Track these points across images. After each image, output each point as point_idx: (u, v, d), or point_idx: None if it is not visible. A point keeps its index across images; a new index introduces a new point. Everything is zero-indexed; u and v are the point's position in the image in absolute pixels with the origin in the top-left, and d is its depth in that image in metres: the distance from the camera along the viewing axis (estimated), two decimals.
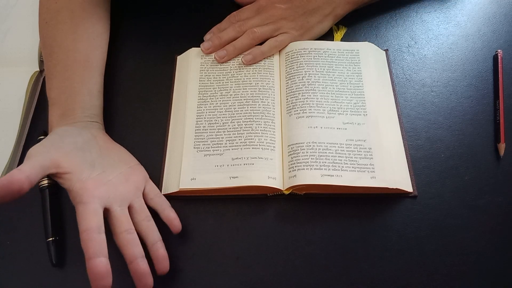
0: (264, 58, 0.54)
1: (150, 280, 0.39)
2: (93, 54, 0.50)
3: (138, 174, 0.45)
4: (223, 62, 0.53)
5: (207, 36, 0.56)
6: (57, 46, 0.49)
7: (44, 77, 0.56)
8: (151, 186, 0.45)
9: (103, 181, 0.41)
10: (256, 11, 0.55)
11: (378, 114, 0.49)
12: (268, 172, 0.45)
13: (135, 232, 0.41)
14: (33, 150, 0.39)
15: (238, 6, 0.58)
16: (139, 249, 0.40)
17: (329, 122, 0.48)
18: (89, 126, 0.46)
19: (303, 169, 0.45)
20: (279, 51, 0.55)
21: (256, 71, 0.53)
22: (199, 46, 0.55)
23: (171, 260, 0.43)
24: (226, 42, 0.54)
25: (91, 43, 0.51)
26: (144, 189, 0.45)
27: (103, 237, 0.38)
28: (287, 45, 0.54)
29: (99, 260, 0.36)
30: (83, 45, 0.50)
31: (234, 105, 0.50)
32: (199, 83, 0.53)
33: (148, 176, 0.46)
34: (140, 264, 0.39)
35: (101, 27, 0.53)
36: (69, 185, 0.40)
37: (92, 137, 0.45)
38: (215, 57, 0.53)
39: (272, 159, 0.46)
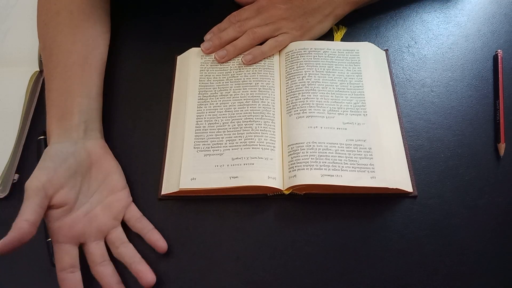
0: (264, 58, 0.54)
1: None
2: (92, 55, 0.50)
3: (120, 202, 0.45)
4: (223, 62, 0.53)
5: (207, 36, 0.55)
6: (56, 48, 0.49)
7: (44, 78, 0.57)
8: (133, 212, 0.45)
9: (81, 216, 0.42)
10: (256, 11, 0.55)
11: (378, 114, 0.49)
12: (268, 172, 0.45)
13: (110, 263, 0.42)
14: (31, 186, 0.40)
15: (238, 6, 0.58)
16: (114, 279, 0.41)
17: (329, 122, 0.48)
18: (86, 137, 0.46)
19: (303, 169, 0.45)
20: (279, 51, 0.55)
21: (256, 71, 0.53)
22: (199, 46, 0.55)
23: (171, 260, 0.44)
24: (227, 42, 0.54)
25: (90, 44, 0.51)
26: (125, 216, 0.45)
27: (76, 275, 0.40)
28: (287, 45, 0.54)
29: None
30: (82, 47, 0.50)
31: (234, 105, 0.50)
32: (199, 83, 0.53)
33: (130, 200, 0.46)
34: None
35: (101, 28, 0.53)
36: (48, 221, 0.41)
37: (86, 156, 0.45)
38: (215, 57, 0.53)
39: (272, 159, 0.46)
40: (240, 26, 0.54)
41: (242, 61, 0.53)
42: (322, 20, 0.55)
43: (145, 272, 0.41)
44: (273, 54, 0.54)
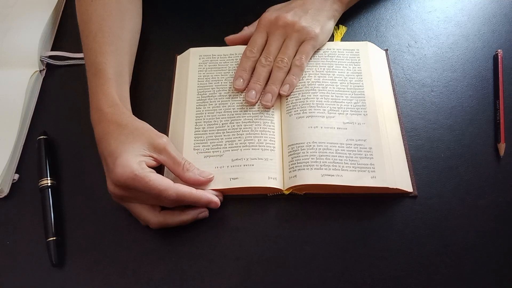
0: None
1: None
2: (134, 48, 0.53)
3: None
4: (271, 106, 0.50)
5: (237, 83, 0.51)
6: (107, 26, 0.50)
7: (44, 77, 0.57)
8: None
9: None
10: (265, 33, 0.53)
11: (378, 114, 0.49)
12: (268, 173, 0.45)
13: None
14: (167, 140, 0.44)
15: (238, 6, 0.58)
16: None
17: (329, 122, 0.48)
18: None
19: (304, 169, 0.45)
20: None
21: None
22: (199, 46, 0.55)
23: (171, 260, 0.43)
24: (265, 82, 0.51)
25: (134, 36, 0.54)
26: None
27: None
28: (312, 51, 0.52)
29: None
30: (130, 37, 0.52)
31: (233, 106, 0.50)
32: (198, 84, 0.52)
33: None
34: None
35: (139, 20, 0.56)
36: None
37: None
38: (262, 103, 0.49)
39: (272, 160, 0.46)
40: (266, 60, 0.51)
41: (280, 94, 0.50)
42: (328, 16, 0.54)
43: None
44: None
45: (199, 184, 0.44)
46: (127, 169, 0.40)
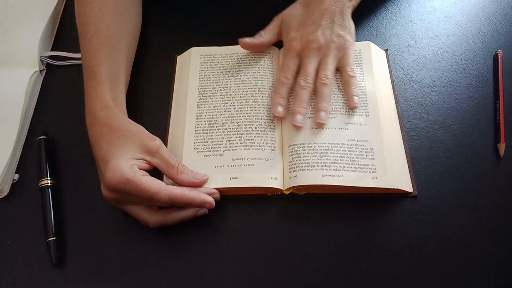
0: (265, 57, 0.54)
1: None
2: (133, 49, 0.54)
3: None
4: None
5: (278, 110, 0.48)
6: (103, 27, 0.50)
7: (44, 77, 0.57)
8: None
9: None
10: (297, 57, 0.50)
11: (379, 114, 0.49)
12: (268, 173, 0.45)
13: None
14: (160, 143, 0.44)
15: (238, 6, 0.58)
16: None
17: (330, 122, 0.48)
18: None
19: (304, 169, 0.45)
20: (279, 50, 0.55)
21: (256, 70, 0.53)
22: (199, 46, 0.55)
23: (171, 260, 0.43)
24: (308, 104, 0.48)
25: (133, 36, 0.54)
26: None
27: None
28: (350, 55, 0.50)
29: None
30: (127, 38, 0.52)
31: (234, 105, 0.50)
32: (199, 83, 0.52)
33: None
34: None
35: (139, 21, 0.56)
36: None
37: None
38: (317, 122, 0.47)
39: (272, 159, 0.46)
40: (306, 82, 0.48)
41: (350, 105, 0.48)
42: (351, 11, 0.52)
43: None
44: (272, 54, 0.54)
45: (194, 186, 0.44)
46: (118, 173, 0.40)
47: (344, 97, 0.49)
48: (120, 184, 0.40)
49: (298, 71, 0.50)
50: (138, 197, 0.41)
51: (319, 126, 0.47)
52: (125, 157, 0.41)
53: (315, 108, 0.48)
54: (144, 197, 0.41)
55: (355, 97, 0.49)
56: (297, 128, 0.47)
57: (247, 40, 0.52)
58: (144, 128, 0.45)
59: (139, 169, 0.42)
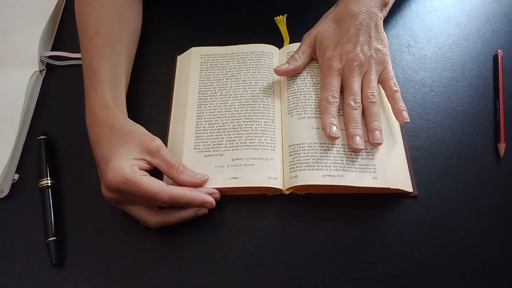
0: (265, 57, 0.54)
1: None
2: (133, 49, 0.54)
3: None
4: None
5: (333, 131, 0.46)
6: (103, 28, 0.50)
7: (44, 77, 0.57)
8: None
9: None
10: (339, 76, 0.49)
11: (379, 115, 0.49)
12: (268, 173, 0.45)
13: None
14: (160, 143, 0.44)
15: (238, 7, 0.58)
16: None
17: None
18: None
19: (304, 169, 0.45)
20: (279, 50, 0.55)
21: (256, 70, 0.53)
22: (199, 46, 0.55)
23: (171, 260, 0.43)
24: (361, 121, 0.47)
25: (133, 36, 0.54)
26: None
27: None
28: (390, 69, 0.49)
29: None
30: (128, 38, 0.52)
31: (234, 105, 0.50)
32: (199, 83, 0.53)
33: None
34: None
35: (139, 21, 0.56)
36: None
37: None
38: (374, 143, 0.46)
39: (272, 159, 0.46)
40: (355, 102, 0.47)
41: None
42: (382, 19, 0.51)
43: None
44: (272, 54, 0.54)
45: (194, 186, 0.44)
46: (118, 173, 0.40)
47: (341, 98, 0.49)
48: (121, 184, 0.40)
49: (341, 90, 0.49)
50: (139, 197, 0.41)
51: (375, 146, 0.46)
52: (126, 157, 0.41)
53: (368, 128, 0.46)
54: (144, 197, 0.41)
55: (403, 112, 0.47)
56: (359, 150, 0.46)
57: (283, 68, 0.51)
58: (144, 129, 0.45)
59: (140, 169, 0.42)
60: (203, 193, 0.43)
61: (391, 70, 0.49)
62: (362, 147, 0.45)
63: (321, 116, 0.47)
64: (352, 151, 0.46)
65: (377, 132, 0.46)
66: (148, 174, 0.42)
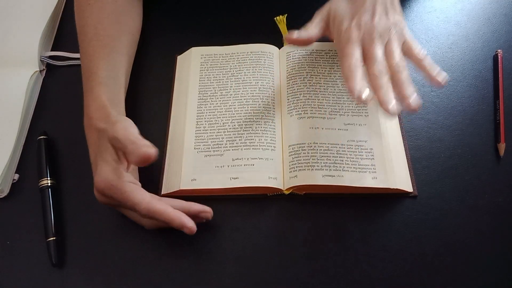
0: (265, 57, 0.53)
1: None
2: (132, 49, 0.53)
3: None
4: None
5: (366, 93, 0.40)
6: (102, 29, 0.49)
7: (44, 77, 0.57)
8: None
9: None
10: (360, 46, 0.44)
11: (379, 115, 0.49)
12: (268, 173, 0.45)
13: None
14: (117, 126, 0.41)
15: (238, 5, 0.58)
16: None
17: (330, 123, 0.48)
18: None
19: (305, 169, 0.45)
20: (279, 50, 0.55)
21: (256, 70, 0.53)
22: (199, 46, 0.55)
23: (171, 260, 0.43)
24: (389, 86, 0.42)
25: (133, 37, 0.54)
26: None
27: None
28: (412, 38, 0.46)
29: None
30: (127, 38, 0.52)
31: (234, 105, 0.50)
32: (199, 83, 0.53)
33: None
34: None
35: (139, 21, 0.56)
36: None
37: None
38: (413, 108, 0.41)
39: (272, 159, 0.46)
40: (384, 67, 0.42)
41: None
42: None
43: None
44: (272, 53, 0.54)
45: (145, 158, 0.39)
46: (103, 178, 0.40)
47: (344, 99, 0.49)
48: (106, 190, 0.40)
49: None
50: (123, 203, 0.41)
51: (416, 111, 0.41)
52: (108, 161, 0.41)
53: (402, 96, 0.41)
54: (126, 205, 0.41)
55: (439, 75, 0.43)
56: (396, 115, 0.42)
57: (294, 35, 0.46)
58: (128, 124, 0.42)
59: (124, 171, 0.41)
60: (185, 216, 0.41)
61: (414, 39, 0.45)
62: (399, 112, 0.40)
63: (348, 85, 0.41)
64: (352, 151, 0.46)
65: (415, 95, 0.41)
66: (137, 182, 0.42)
